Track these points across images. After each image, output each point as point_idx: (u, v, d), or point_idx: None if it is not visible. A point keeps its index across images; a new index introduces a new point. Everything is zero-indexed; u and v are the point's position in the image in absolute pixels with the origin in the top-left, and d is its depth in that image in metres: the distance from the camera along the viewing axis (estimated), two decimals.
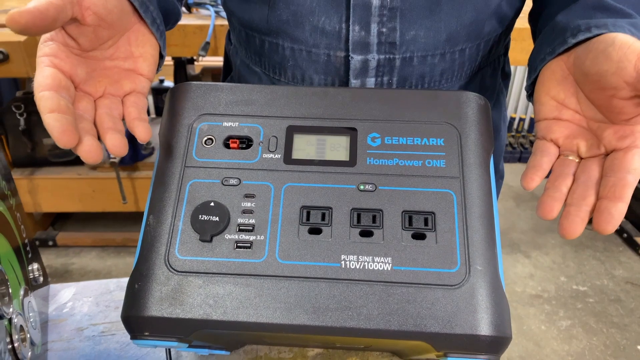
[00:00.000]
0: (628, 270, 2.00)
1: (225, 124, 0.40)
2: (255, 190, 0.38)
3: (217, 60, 2.32)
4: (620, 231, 2.21)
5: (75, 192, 1.87)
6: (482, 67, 0.57)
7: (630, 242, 2.15)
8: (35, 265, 0.54)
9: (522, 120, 2.88)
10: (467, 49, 0.54)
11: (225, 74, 0.70)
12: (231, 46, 0.65)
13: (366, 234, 0.36)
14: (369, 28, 0.50)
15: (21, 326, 0.43)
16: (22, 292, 0.47)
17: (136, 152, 1.79)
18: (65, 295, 0.61)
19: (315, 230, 0.37)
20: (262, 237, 0.36)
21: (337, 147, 0.40)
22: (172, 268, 0.35)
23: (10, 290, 0.42)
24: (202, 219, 0.36)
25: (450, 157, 0.39)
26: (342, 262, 0.35)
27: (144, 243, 0.36)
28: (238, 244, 0.36)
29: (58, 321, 0.57)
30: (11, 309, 0.41)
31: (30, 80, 1.81)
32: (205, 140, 0.40)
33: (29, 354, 0.44)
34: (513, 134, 2.93)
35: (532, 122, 2.89)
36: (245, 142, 0.40)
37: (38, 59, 0.38)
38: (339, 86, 0.50)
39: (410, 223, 0.36)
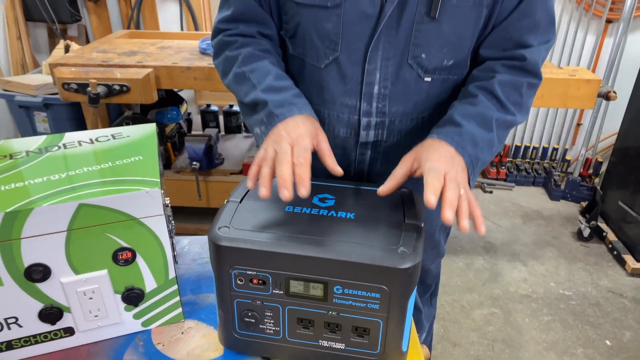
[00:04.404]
0: (612, 282, 2.22)
1: (248, 272, 0.64)
2: (270, 309, 0.66)
3: None
4: (612, 249, 2.42)
5: None
6: None
7: (618, 259, 2.36)
8: (173, 222, 0.93)
9: (535, 149, 3.13)
10: (427, 116, 0.89)
11: None
12: None
13: (332, 332, 0.66)
14: (371, 104, 0.87)
15: (175, 245, 0.82)
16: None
17: (211, 161, 2.21)
18: (184, 242, 1.00)
19: (305, 328, 0.67)
20: (278, 328, 0.67)
21: (316, 288, 0.63)
22: (235, 336, 0.70)
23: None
24: (247, 320, 0.68)
25: (383, 303, 0.62)
26: (320, 342, 0.67)
27: (220, 323, 0.70)
28: (266, 330, 0.68)
29: (182, 255, 0.96)
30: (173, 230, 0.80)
31: (133, 105, 2.27)
32: (238, 279, 0.64)
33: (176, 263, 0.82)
34: (528, 160, 3.18)
35: (544, 150, 3.13)
36: (262, 282, 0.64)
37: (281, 155, 0.68)
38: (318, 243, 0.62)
39: (356, 330, 0.65)
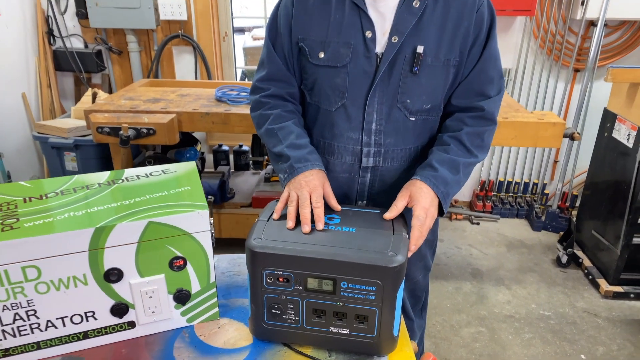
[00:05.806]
0: (588, 303, 2.38)
1: (276, 272, 0.81)
2: (292, 301, 0.83)
3: None
4: (587, 274, 2.59)
5: None
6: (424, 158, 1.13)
7: (594, 283, 2.53)
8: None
9: (517, 184, 3.34)
10: (413, 147, 1.11)
11: None
12: None
13: (340, 320, 0.83)
14: (370, 138, 1.09)
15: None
16: None
17: (224, 195, 2.40)
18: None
19: (318, 317, 0.83)
20: (298, 318, 0.84)
21: (327, 284, 0.80)
22: (263, 326, 0.87)
23: None
24: (273, 311, 0.84)
25: (378, 295, 0.79)
26: (330, 329, 0.83)
27: (251, 315, 0.87)
28: (288, 320, 0.84)
29: None
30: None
31: (153, 146, 2.47)
32: (268, 278, 0.82)
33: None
34: (511, 194, 3.39)
35: (526, 185, 3.34)
36: (286, 280, 0.82)
37: (302, 201, 0.93)
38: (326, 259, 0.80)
39: (358, 317, 0.82)
